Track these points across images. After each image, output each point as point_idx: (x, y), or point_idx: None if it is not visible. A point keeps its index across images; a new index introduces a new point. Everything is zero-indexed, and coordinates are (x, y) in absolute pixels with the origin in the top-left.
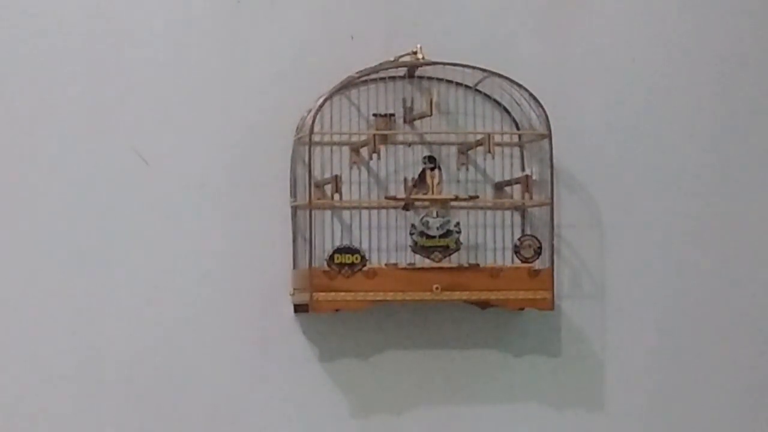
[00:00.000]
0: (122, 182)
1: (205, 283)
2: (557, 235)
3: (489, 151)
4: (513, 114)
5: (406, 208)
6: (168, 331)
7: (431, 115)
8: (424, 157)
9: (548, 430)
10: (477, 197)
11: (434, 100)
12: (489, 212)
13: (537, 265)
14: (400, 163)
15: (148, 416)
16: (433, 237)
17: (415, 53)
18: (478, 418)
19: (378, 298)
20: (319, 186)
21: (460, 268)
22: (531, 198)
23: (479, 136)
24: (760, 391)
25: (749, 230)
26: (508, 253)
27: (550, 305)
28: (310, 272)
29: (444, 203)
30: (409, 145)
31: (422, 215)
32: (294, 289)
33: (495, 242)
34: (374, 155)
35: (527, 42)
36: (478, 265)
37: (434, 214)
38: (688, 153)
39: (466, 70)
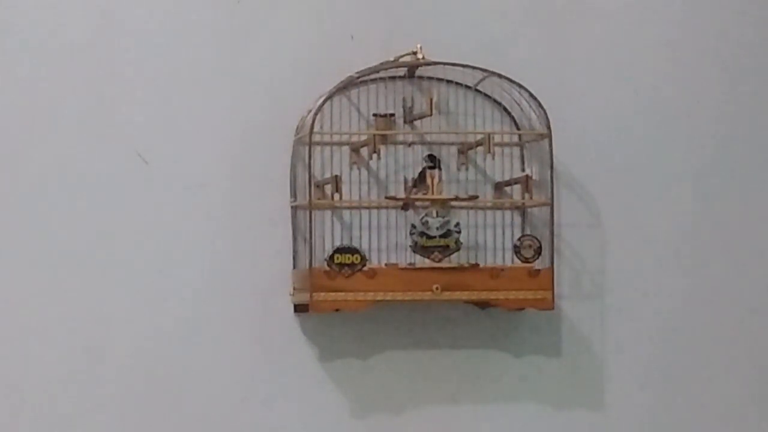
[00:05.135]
0: (122, 182)
1: (205, 283)
2: (557, 235)
3: (489, 151)
4: (513, 114)
5: (404, 207)
6: (168, 331)
7: (431, 115)
8: (425, 156)
9: (548, 430)
10: (477, 197)
11: (434, 100)
12: (489, 212)
13: (537, 265)
14: (400, 163)
15: (148, 416)
16: (433, 237)
17: (415, 53)
18: (478, 418)
19: (378, 298)
20: (319, 186)
21: (460, 268)
22: (531, 198)
23: (479, 136)
24: (761, 390)
25: (749, 230)
26: (508, 253)
27: (550, 305)
28: (310, 272)
29: (444, 203)
30: (409, 145)
31: (422, 215)
32: (294, 289)
33: (495, 242)
34: (374, 155)
35: (527, 42)
36: (478, 265)
37: (434, 214)
38: (688, 153)
39: (466, 70)
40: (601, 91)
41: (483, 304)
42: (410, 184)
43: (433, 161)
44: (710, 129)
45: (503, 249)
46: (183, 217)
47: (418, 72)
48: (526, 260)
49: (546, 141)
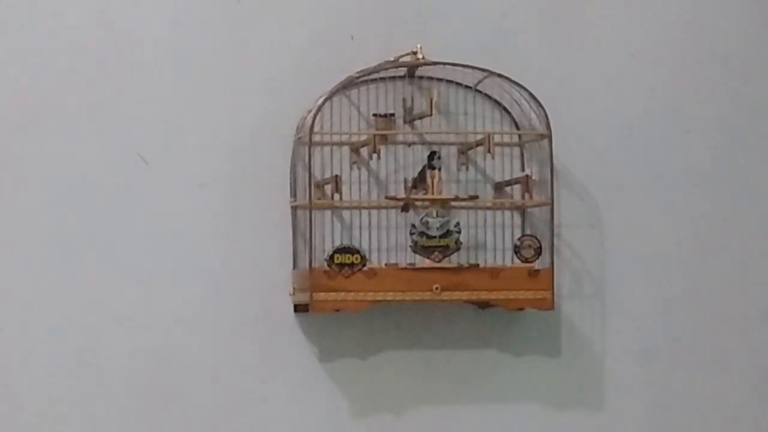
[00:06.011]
0: (122, 182)
1: (205, 283)
2: (557, 235)
3: (489, 151)
4: (513, 114)
5: (405, 209)
6: (168, 331)
7: (431, 115)
8: (430, 153)
9: (548, 430)
10: (477, 197)
11: (434, 100)
12: (489, 212)
13: (537, 265)
14: (400, 163)
15: (148, 416)
16: (433, 237)
17: (415, 53)
18: (478, 418)
19: (378, 298)
20: (319, 186)
21: (460, 268)
22: (531, 198)
23: (479, 136)
24: (761, 390)
25: (749, 230)
26: (508, 253)
27: (550, 305)
28: (310, 272)
29: (444, 203)
30: (409, 145)
31: (422, 215)
32: (294, 289)
33: (495, 242)
34: (374, 155)
35: (527, 42)
36: (478, 265)
37: (434, 214)
38: (688, 153)
39: (466, 70)
40: (601, 91)
41: (483, 304)
42: (410, 184)
43: (437, 158)
44: (710, 129)
45: (503, 249)
46: (183, 217)
47: (418, 72)
48: (526, 260)
49: (546, 141)
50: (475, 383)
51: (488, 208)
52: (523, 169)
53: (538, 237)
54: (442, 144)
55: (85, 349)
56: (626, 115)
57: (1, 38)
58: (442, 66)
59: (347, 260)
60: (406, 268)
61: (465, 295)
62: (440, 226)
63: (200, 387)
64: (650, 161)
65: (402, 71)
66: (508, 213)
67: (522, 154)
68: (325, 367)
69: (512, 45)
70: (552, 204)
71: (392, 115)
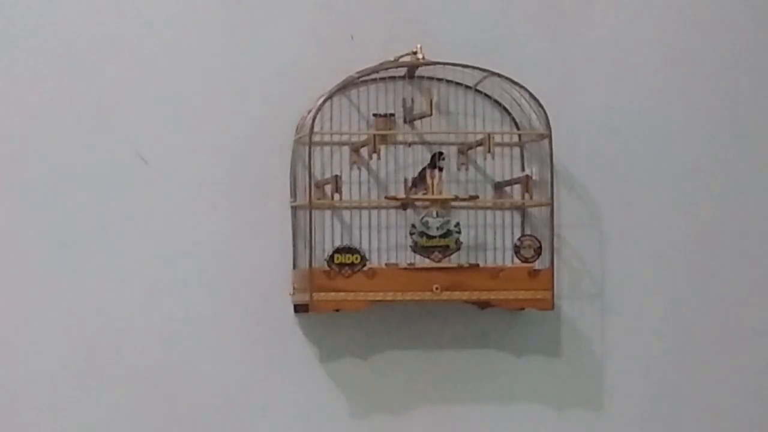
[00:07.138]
0: (122, 182)
1: (205, 283)
2: (557, 235)
3: (489, 151)
4: (513, 114)
5: (404, 207)
6: (168, 331)
7: (431, 115)
8: (437, 153)
9: (548, 430)
10: (477, 197)
11: (434, 100)
12: (489, 212)
13: (537, 265)
14: (400, 163)
15: (148, 416)
16: (433, 237)
17: (415, 53)
18: (478, 418)
19: (378, 298)
20: (319, 186)
21: (460, 268)
22: (531, 198)
23: (479, 136)
24: (760, 390)
25: (749, 230)
26: (508, 253)
27: (550, 305)
28: (310, 272)
29: (444, 203)
30: (409, 145)
31: (422, 215)
32: (294, 289)
33: (495, 242)
34: (374, 155)
35: (527, 42)
36: (478, 265)
37: (434, 214)
38: (688, 153)
39: (466, 70)
40: (601, 91)
41: (483, 304)
42: (410, 184)
43: (441, 159)
44: (710, 129)
45: (503, 249)
46: (182, 217)
47: (418, 72)
48: (526, 260)
49: (546, 141)
50: (475, 383)
51: (488, 208)
52: (523, 169)
53: (538, 237)
54: (442, 144)
55: (85, 349)
56: (626, 115)
57: (0, 38)
58: (442, 66)
59: (347, 260)
60: (406, 268)
61: (465, 295)
62: (440, 226)
63: (200, 387)
64: (650, 161)
65: (402, 71)
66: (508, 213)
67: (522, 154)
68: (325, 367)
69: (512, 45)
70: (552, 204)
71: (392, 115)
